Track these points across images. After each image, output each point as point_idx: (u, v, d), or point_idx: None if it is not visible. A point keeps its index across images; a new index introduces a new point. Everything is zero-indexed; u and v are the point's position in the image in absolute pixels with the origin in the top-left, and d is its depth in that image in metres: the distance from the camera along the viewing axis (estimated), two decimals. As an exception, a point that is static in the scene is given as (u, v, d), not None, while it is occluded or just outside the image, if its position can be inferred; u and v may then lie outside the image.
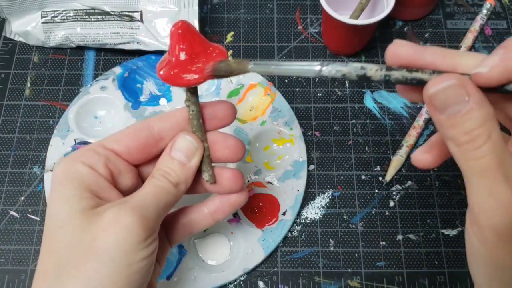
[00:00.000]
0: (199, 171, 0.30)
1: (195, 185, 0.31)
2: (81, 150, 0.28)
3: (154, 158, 0.29)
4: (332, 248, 0.41)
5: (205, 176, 0.30)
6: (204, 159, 0.29)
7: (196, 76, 0.26)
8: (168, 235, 0.32)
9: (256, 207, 0.42)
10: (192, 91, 0.28)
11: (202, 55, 0.26)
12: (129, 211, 0.25)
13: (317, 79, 0.48)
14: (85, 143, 0.43)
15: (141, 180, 0.30)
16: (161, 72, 0.27)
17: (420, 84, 0.23)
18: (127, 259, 0.25)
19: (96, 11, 0.46)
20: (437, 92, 0.22)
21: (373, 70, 0.23)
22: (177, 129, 0.29)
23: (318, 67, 0.24)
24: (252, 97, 0.46)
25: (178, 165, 0.29)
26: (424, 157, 0.27)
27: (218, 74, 0.26)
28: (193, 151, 0.29)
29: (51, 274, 0.24)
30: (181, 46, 0.26)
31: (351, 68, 0.23)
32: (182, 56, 0.26)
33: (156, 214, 0.27)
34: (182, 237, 0.32)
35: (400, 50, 0.24)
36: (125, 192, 0.28)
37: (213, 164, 0.30)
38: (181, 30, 0.26)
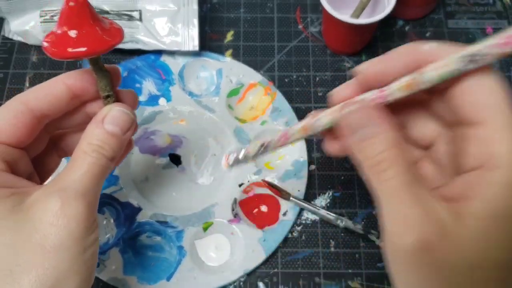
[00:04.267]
0: None
1: None
2: None
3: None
4: (332, 249, 0.40)
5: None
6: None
7: (83, 49, 0.25)
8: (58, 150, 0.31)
9: (257, 208, 0.41)
10: (93, 61, 0.27)
11: (89, 29, 0.26)
12: (74, 199, 0.24)
13: (317, 78, 0.47)
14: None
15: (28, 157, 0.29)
16: (45, 44, 0.26)
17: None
18: (81, 246, 0.24)
19: (95, 10, 0.46)
20: (343, 118, 0.24)
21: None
22: (58, 105, 0.28)
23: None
24: (252, 96, 0.45)
25: (112, 138, 0.27)
26: (333, 147, 0.29)
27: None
28: (129, 123, 0.28)
29: (1, 282, 0.23)
30: (69, 20, 0.25)
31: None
32: (69, 30, 0.25)
33: (97, 194, 0.26)
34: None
35: (342, 95, 0.27)
36: (26, 176, 0.27)
37: None
38: (74, 3, 0.25)
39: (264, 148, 0.29)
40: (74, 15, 0.25)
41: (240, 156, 0.30)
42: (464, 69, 0.22)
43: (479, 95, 0.22)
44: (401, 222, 0.21)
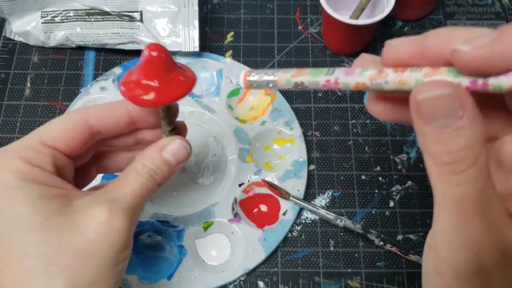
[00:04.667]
0: None
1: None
2: (18, 147, 0.26)
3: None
4: (332, 248, 0.41)
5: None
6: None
7: (151, 97, 0.26)
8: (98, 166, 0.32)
9: (257, 207, 0.42)
10: (164, 108, 0.29)
11: (165, 79, 0.27)
12: (121, 213, 0.25)
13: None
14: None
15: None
16: (123, 88, 0.27)
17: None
18: (116, 259, 0.25)
19: (96, 11, 0.46)
20: (427, 99, 0.18)
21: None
22: (116, 127, 0.29)
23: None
24: (252, 97, 0.46)
25: (166, 166, 0.29)
26: (377, 108, 0.24)
27: None
28: (185, 157, 0.30)
29: (37, 278, 0.24)
30: (149, 70, 0.26)
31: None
32: (148, 81, 0.27)
33: (138, 214, 0.28)
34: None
35: (400, 50, 0.21)
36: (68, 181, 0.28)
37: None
38: (157, 53, 0.26)
39: (300, 86, 0.23)
40: (155, 64, 0.26)
41: (267, 80, 0.23)
42: None
43: None
44: (460, 236, 0.19)
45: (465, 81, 0.19)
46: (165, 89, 0.27)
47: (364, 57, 0.22)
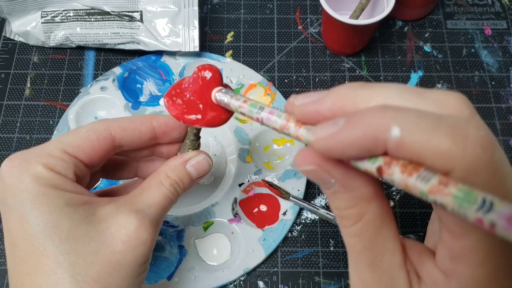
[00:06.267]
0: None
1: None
2: (40, 154, 0.26)
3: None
4: (332, 248, 0.41)
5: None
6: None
7: (198, 117, 0.26)
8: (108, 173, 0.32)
9: (257, 207, 0.42)
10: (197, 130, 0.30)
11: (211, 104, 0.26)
12: (149, 224, 0.26)
13: (317, 79, 0.48)
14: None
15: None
16: (168, 103, 0.27)
17: None
18: (140, 269, 0.26)
19: (96, 11, 0.46)
20: (305, 172, 0.20)
21: None
22: (138, 140, 0.29)
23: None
24: (252, 97, 0.46)
25: (189, 179, 0.29)
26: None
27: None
28: (206, 172, 0.30)
29: (66, 287, 0.24)
30: (199, 91, 0.26)
31: None
32: (197, 100, 0.26)
33: (160, 225, 0.28)
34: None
35: (297, 110, 0.20)
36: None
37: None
38: (211, 74, 0.25)
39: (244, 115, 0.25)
40: (206, 86, 0.26)
41: (224, 102, 0.25)
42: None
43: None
44: (358, 281, 0.21)
45: None
46: (210, 111, 0.26)
47: (289, 101, 0.21)
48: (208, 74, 0.25)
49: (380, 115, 0.16)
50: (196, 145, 0.31)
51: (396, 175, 0.16)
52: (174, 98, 0.27)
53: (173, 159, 0.29)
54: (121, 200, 0.27)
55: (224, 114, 0.26)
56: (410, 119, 0.16)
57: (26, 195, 0.24)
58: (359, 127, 0.16)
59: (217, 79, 0.26)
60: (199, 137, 0.31)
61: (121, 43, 0.47)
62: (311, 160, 0.19)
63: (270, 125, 0.22)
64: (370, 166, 0.17)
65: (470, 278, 0.18)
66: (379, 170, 0.17)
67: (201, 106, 0.26)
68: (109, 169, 0.32)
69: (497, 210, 0.14)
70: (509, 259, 0.18)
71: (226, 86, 0.27)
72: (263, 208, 0.42)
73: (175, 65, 0.47)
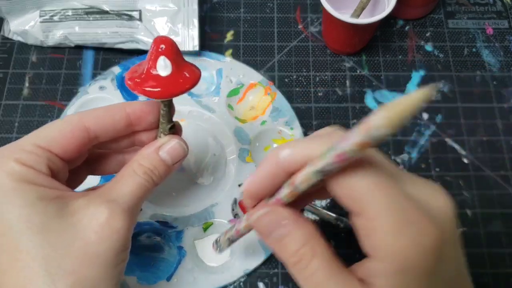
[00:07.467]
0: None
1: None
2: (13, 149, 0.26)
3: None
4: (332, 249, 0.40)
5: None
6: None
7: (160, 89, 0.27)
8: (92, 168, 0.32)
9: (256, 208, 0.41)
10: (167, 103, 0.29)
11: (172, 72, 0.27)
12: (121, 213, 0.25)
13: (317, 78, 0.47)
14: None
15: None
16: (130, 82, 0.27)
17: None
18: (117, 259, 0.25)
19: (95, 10, 0.46)
20: (257, 220, 0.24)
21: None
22: (113, 130, 0.29)
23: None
24: (252, 96, 0.45)
25: (163, 166, 0.29)
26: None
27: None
28: (181, 157, 0.30)
29: (40, 280, 0.23)
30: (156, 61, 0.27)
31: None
32: (152, 70, 0.27)
33: (137, 214, 0.27)
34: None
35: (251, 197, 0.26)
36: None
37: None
38: (165, 45, 0.26)
39: (230, 241, 0.32)
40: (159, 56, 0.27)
41: (219, 243, 0.34)
42: (322, 177, 0.22)
43: (353, 188, 0.22)
44: None
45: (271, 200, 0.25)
46: (172, 82, 0.27)
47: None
48: (162, 46, 0.26)
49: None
50: (167, 130, 0.30)
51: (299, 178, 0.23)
52: (135, 77, 0.27)
53: (146, 147, 0.29)
54: (95, 192, 0.27)
55: (186, 83, 0.27)
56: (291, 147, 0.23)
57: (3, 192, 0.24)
58: (264, 163, 0.24)
59: (172, 50, 0.27)
60: (171, 121, 0.30)
61: (120, 42, 0.46)
62: (263, 208, 0.24)
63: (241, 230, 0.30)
64: (286, 188, 0.23)
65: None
66: (292, 183, 0.23)
67: (159, 76, 0.27)
68: (93, 164, 0.32)
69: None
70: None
71: (178, 54, 0.27)
72: (263, 208, 0.41)
73: (174, 64, 0.46)
